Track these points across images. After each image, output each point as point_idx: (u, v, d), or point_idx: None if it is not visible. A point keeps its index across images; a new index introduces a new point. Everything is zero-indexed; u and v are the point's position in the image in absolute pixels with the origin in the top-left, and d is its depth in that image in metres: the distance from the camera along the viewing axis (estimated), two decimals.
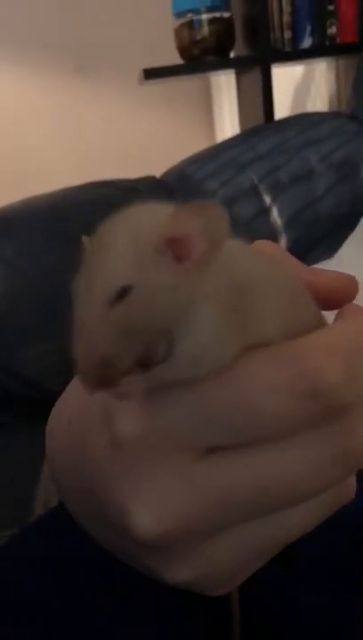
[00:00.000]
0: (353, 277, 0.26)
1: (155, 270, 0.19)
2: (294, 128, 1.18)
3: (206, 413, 0.21)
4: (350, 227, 0.93)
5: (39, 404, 0.80)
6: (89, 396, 0.20)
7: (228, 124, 2.40)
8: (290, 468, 0.22)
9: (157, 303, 0.19)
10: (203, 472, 0.22)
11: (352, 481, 0.25)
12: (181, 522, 0.22)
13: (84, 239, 0.21)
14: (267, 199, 1.08)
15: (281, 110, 1.64)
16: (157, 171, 1.20)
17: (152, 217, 0.20)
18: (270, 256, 0.25)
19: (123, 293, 0.19)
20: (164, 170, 1.21)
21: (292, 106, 2.01)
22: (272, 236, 1.05)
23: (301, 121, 1.23)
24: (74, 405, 0.26)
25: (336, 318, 0.24)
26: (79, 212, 0.99)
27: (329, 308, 0.26)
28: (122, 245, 0.19)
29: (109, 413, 0.22)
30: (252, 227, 1.04)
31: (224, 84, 2.32)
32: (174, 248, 0.19)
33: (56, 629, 0.29)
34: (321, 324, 0.24)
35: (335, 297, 0.26)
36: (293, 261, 0.26)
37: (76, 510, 0.27)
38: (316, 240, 1.01)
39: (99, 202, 1.02)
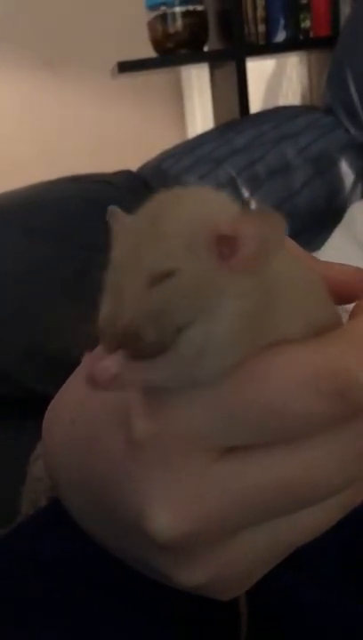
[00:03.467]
0: (361, 270, 0.26)
1: (202, 261, 0.19)
2: (270, 122, 1.18)
3: (228, 412, 0.21)
4: (329, 220, 0.93)
5: (22, 403, 0.79)
6: (97, 396, 0.20)
7: (199, 118, 2.40)
8: (311, 467, 0.21)
9: (194, 293, 0.19)
10: (223, 472, 0.21)
11: None
12: (199, 523, 0.21)
13: (115, 214, 0.21)
14: (245, 193, 1.08)
15: (254, 104, 1.65)
16: (129, 164, 1.19)
17: (210, 208, 0.20)
18: (292, 252, 0.24)
19: (167, 275, 0.19)
20: (135, 163, 1.20)
21: (264, 99, 2.02)
22: None
23: (277, 115, 1.23)
24: (77, 405, 0.25)
25: (353, 314, 0.24)
26: (54, 207, 0.98)
27: (341, 302, 0.25)
28: (177, 230, 0.19)
29: (125, 412, 0.22)
30: None
31: (195, 79, 2.32)
32: (223, 246, 0.19)
33: (45, 629, 0.28)
34: (339, 321, 0.23)
35: (347, 291, 0.25)
36: (305, 255, 0.26)
37: (76, 509, 0.26)
38: (294, 234, 1.01)
39: (74, 196, 1.01)
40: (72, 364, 0.27)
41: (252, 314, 0.20)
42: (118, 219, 0.21)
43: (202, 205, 0.20)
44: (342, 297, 0.25)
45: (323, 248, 0.65)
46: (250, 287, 0.20)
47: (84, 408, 0.25)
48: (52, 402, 0.27)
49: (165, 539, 0.21)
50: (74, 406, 0.26)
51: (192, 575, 0.23)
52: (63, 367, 0.28)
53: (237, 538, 0.22)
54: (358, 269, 0.26)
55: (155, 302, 0.19)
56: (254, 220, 0.19)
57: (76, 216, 0.94)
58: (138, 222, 0.20)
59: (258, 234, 0.19)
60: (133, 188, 1.08)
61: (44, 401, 0.29)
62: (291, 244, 0.26)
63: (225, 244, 0.19)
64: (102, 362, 0.20)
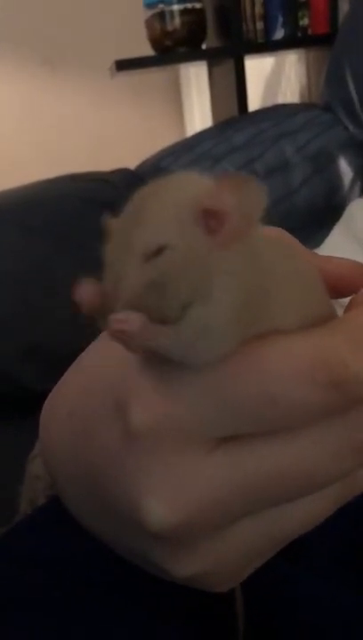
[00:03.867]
0: (361, 264, 0.26)
1: (191, 237, 0.19)
2: (269, 119, 1.18)
3: (224, 402, 0.21)
4: (327, 218, 0.93)
5: (21, 402, 0.79)
6: (93, 388, 0.20)
7: (197, 116, 2.40)
8: (306, 457, 0.21)
9: (187, 266, 0.19)
10: (219, 462, 0.21)
11: None
12: (195, 513, 0.21)
13: (107, 220, 0.21)
14: None
15: (252, 102, 1.65)
16: (127, 163, 1.19)
17: (193, 186, 0.20)
18: (288, 245, 0.24)
19: (160, 250, 0.19)
20: (134, 162, 1.20)
21: (263, 97, 2.02)
22: None
23: (275, 112, 1.23)
24: (74, 398, 0.25)
25: (350, 306, 0.24)
26: (53, 205, 0.98)
27: (338, 295, 0.25)
28: (164, 209, 0.20)
29: (121, 404, 0.22)
30: None
31: (194, 77, 2.32)
32: (209, 220, 0.19)
33: (45, 628, 0.28)
34: (334, 314, 0.23)
35: (346, 284, 0.25)
36: (302, 249, 0.26)
37: (75, 505, 0.26)
38: (293, 231, 1.00)
39: (73, 195, 1.01)
40: (71, 363, 0.27)
41: (246, 292, 0.20)
42: (109, 223, 0.22)
43: (184, 186, 0.21)
44: (339, 290, 0.25)
45: (322, 246, 0.65)
46: (243, 267, 0.20)
47: (80, 401, 0.25)
48: (50, 396, 0.27)
49: (159, 529, 0.21)
50: (70, 399, 0.26)
51: (188, 566, 0.23)
52: (62, 366, 0.28)
53: (233, 528, 0.22)
54: (356, 263, 0.26)
55: (153, 274, 0.19)
56: (231, 188, 0.19)
57: (74, 215, 0.94)
58: (125, 214, 0.21)
59: (239, 200, 0.19)
60: (132, 186, 1.08)
61: (42, 399, 0.29)
62: (289, 238, 0.26)
63: (211, 218, 0.19)
64: (130, 315, 0.20)
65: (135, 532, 0.22)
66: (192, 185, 0.21)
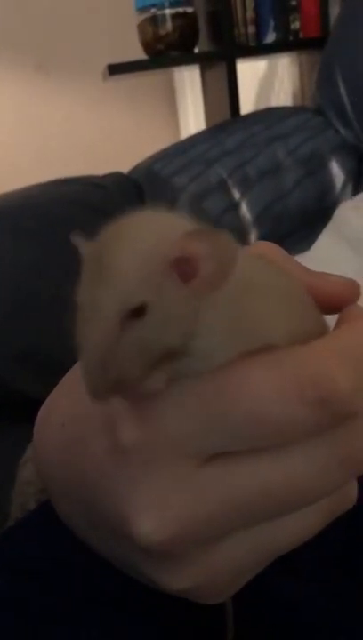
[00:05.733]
0: (355, 282, 0.26)
1: (166, 289, 0.19)
2: (261, 123, 1.18)
3: (210, 419, 0.21)
4: (319, 221, 0.93)
5: (13, 406, 0.79)
6: (86, 400, 0.20)
7: (192, 120, 2.40)
8: (295, 473, 0.21)
9: (173, 321, 0.19)
10: (206, 478, 0.21)
11: (353, 486, 0.25)
12: (183, 529, 0.21)
13: (80, 243, 0.21)
14: (236, 194, 1.08)
15: (245, 105, 1.65)
16: (122, 167, 1.19)
17: (159, 232, 0.20)
18: (271, 261, 0.24)
19: (138, 312, 0.19)
20: (129, 167, 1.20)
21: (256, 101, 2.02)
22: (242, 232, 1.05)
23: (267, 116, 1.23)
24: (67, 407, 0.25)
25: (339, 322, 0.24)
26: (45, 210, 0.98)
27: (331, 312, 0.25)
28: (130, 262, 0.19)
29: (111, 418, 0.22)
30: (221, 222, 1.04)
31: (188, 81, 2.32)
32: (181, 267, 0.19)
33: (37, 634, 0.28)
34: (324, 329, 0.23)
35: (338, 301, 0.25)
36: (294, 264, 0.26)
37: (67, 512, 0.26)
38: (285, 234, 1.01)
39: (66, 199, 1.00)
40: (64, 368, 0.27)
41: (227, 325, 0.20)
42: (82, 246, 0.21)
43: (151, 232, 0.20)
44: (331, 307, 0.25)
45: (312, 248, 0.65)
46: (218, 301, 0.20)
47: (73, 412, 0.25)
48: (44, 404, 0.28)
49: (149, 543, 0.21)
50: (64, 410, 0.26)
51: (179, 580, 0.23)
52: (55, 370, 0.28)
53: (224, 543, 0.22)
54: (349, 280, 0.26)
55: (135, 345, 0.19)
56: (201, 239, 0.19)
57: (66, 219, 0.94)
58: (89, 260, 0.20)
59: (211, 247, 0.19)
60: (124, 190, 1.08)
61: (35, 405, 0.29)
62: (279, 252, 0.26)
63: (184, 265, 0.19)
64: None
65: (125, 544, 0.22)
66: (156, 229, 0.20)
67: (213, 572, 0.23)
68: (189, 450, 0.21)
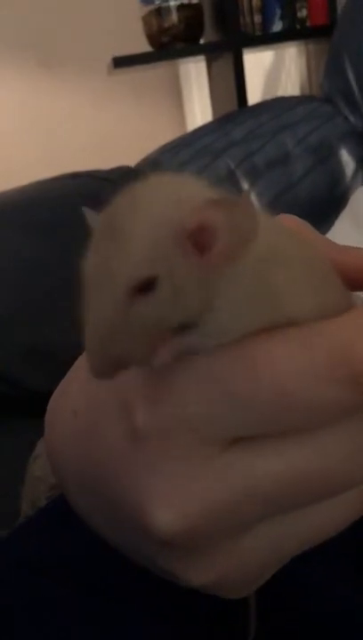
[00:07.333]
0: None
1: (179, 261, 0.18)
2: (269, 112, 1.17)
3: (234, 399, 0.19)
4: (330, 209, 0.92)
5: (21, 403, 0.79)
6: (99, 386, 0.19)
7: (198, 112, 2.40)
8: (324, 459, 0.20)
9: (185, 295, 0.18)
10: (229, 464, 0.20)
11: None
12: (204, 519, 0.20)
13: (90, 215, 0.20)
14: (245, 185, 1.07)
15: (252, 95, 1.64)
16: (129, 161, 1.18)
17: (174, 201, 0.18)
18: (298, 232, 0.23)
19: (147, 285, 0.18)
20: (135, 160, 1.20)
21: (263, 90, 2.01)
22: None
23: (275, 105, 1.22)
24: (79, 395, 0.24)
25: None
26: (53, 204, 0.98)
27: (357, 288, 0.24)
28: (141, 232, 0.18)
29: (126, 402, 0.21)
30: None
31: (193, 72, 2.31)
32: (197, 237, 0.18)
33: (50, 631, 0.28)
34: (351, 305, 0.22)
35: (361, 275, 0.24)
36: (319, 238, 0.24)
37: (81, 505, 0.25)
38: None
39: (73, 193, 1.00)
40: (72, 363, 0.26)
41: (249, 297, 0.19)
42: (91, 219, 0.20)
43: (162, 198, 0.19)
44: (357, 282, 0.24)
45: (329, 234, 0.64)
46: (246, 262, 0.19)
47: (85, 399, 0.24)
48: (54, 394, 0.26)
49: (166, 535, 0.20)
50: (75, 397, 0.24)
51: (199, 573, 0.22)
52: (63, 366, 0.27)
53: (248, 534, 0.21)
54: None
55: (142, 319, 0.18)
56: (221, 209, 0.18)
57: (75, 213, 0.94)
58: (100, 230, 0.19)
59: (229, 221, 0.18)
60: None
61: (43, 400, 0.28)
62: (304, 225, 0.24)
63: (198, 237, 0.18)
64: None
65: (141, 537, 0.21)
66: (170, 197, 0.19)
67: (238, 565, 0.22)
68: (210, 434, 0.20)
